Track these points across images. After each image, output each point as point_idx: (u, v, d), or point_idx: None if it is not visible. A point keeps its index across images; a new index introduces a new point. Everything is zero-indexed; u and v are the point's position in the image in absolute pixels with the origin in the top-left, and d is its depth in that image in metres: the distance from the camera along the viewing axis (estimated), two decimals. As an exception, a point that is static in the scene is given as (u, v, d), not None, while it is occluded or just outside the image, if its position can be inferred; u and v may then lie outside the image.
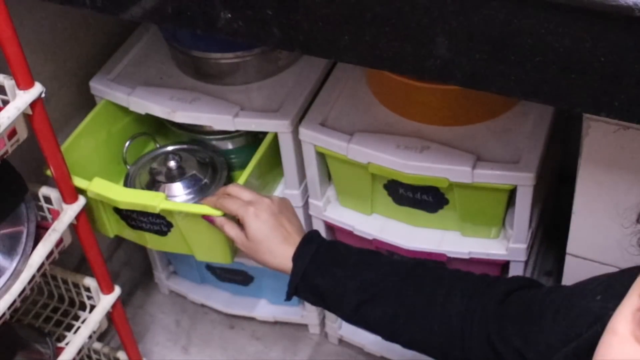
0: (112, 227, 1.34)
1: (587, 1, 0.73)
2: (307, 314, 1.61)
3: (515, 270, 1.30)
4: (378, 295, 1.02)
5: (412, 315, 1.01)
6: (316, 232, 1.11)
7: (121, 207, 1.24)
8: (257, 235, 1.09)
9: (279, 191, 1.41)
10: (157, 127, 1.47)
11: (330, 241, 1.09)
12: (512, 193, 1.21)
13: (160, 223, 1.27)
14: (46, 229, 1.15)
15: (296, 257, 1.06)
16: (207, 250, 1.30)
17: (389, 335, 1.05)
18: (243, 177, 1.26)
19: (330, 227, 1.40)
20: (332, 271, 1.05)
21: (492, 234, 1.28)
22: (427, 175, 1.19)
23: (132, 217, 1.28)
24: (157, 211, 1.22)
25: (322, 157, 1.31)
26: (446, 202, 1.26)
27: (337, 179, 1.35)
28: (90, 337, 1.30)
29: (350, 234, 1.36)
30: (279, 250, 1.08)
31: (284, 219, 1.10)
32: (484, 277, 1.02)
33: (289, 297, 1.08)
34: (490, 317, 0.95)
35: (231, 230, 1.13)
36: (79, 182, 1.22)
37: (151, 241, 1.33)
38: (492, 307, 0.95)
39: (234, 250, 1.29)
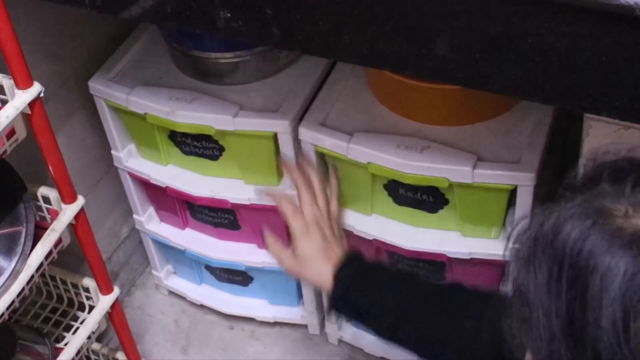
0: (166, 155, 1.43)
1: (588, 1, 0.73)
2: (307, 314, 1.60)
3: (516, 271, 1.30)
4: (412, 318, 1.04)
5: (444, 338, 1.02)
6: (359, 253, 1.13)
7: (179, 129, 1.33)
8: (303, 253, 1.13)
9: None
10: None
11: (371, 262, 1.12)
12: (512, 193, 1.21)
13: (212, 147, 1.37)
14: (45, 229, 1.15)
15: (338, 276, 1.09)
16: (256, 173, 1.38)
17: (425, 355, 1.06)
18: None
19: (330, 227, 1.40)
20: (370, 292, 1.07)
21: (492, 234, 1.28)
22: (427, 175, 1.19)
23: (186, 142, 1.38)
24: (212, 133, 1.30)
25: (322, 157, 1.31)
26: (446, 202, 1.25)
27: (336, 179, 1.34)
28: (89, 337, 1.29)
29: (350, 234, 1.35)
30: (322, 269, 1.11)
31: (333, 241, 1.15)
32: None
33: (328, 311, 1.13)
34: None
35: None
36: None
37: (203, 167, 1.41)
38: None
39: (280, 173, 1.37)
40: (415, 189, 1.25)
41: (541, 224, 0.60)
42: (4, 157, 1.05)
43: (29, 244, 1.12)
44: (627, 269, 0.54)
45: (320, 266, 1.11)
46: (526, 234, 0.62)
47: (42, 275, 1.24)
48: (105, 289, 1.31)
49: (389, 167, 1.21)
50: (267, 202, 1.39)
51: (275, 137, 1.31)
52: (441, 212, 1.28)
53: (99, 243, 1.27)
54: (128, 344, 1.42)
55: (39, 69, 1.17)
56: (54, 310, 1.41)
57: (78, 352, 1.27)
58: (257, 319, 1.64)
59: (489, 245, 1.28)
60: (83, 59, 1.44)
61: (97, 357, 1.47)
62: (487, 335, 0.97)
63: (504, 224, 1.27)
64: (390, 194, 1.29)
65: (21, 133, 1.06)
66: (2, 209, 1.14)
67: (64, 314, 1.40)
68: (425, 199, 1.26)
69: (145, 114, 1.35)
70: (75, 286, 1.33)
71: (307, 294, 1.56)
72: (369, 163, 1.22)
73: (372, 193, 1.30)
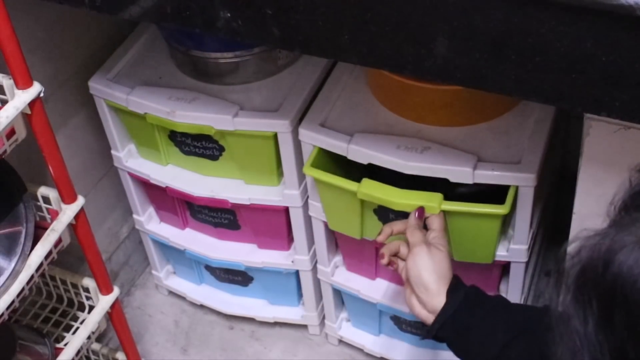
0: (166, 155, 1.44)
1: (588, 1, 0.73)
2: (306, 314, 1.60)
3: (516, 271, 1.30)
4: (524, 335, 1.00)
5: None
6: (459, 278, 1.08)
7: (179, 129, 1.33)
8: (418, 271, 1.06)
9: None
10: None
11: (472, 286, 1.08)
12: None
13: (212, 147, 1.37)
14: (45, 229, 1.15)
15: (451, 293, 1.04)
16: (256, 173, 1.38)
17: None
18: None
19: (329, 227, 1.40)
20: (479, 313, 1.04)
21: (492, 234, 1.28)
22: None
23: (186, 142, 1.38)
24: (212, 133, 1.30)
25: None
26: (446, 202, 1.25)
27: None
28: (89, 337, 1.29)
29: (349, 237, 1.35)
30: (435, 288, 1.05)
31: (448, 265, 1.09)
32: None
33: (429, 334, 1.06)
34: None
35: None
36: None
37: (203, 167, 1.42)
38: None
39: (280, 173, 1.37)
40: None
41: (589, 253, 0.56)
42: (4, 157, 1.05)
43: (29, 244, 1.12)
44: None
45: (434, 285, 1.05)
46: (573, 264, 0.58)
47: (42, 275, 1.24)
48: (105, 289, 1.31)
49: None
50: (266, 202, 1.39)
51: (275, 137, 1.31)
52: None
53: (99, 243, 1.27)
54: (128, 344, 1.42)
55: (39, 69, 1.17)
56: (54, 310, 1.41)
57: (78, 352, 1.27)
58: (257, 319, 1.64)
59: (489, 246, 1.28)
60: (83, 59, 1.44)
61: (97, 357, 1.47)
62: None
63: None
64: (390, 194, 1.29)
65: (21, 133, 1.06)
66: (2, 209, 1.14)
67: (64, 314, 1.40)
68: (425, 199, 1.26)
69: (145, 114, 1.34)
70: (75, 286, 1.33)
71: (307, 294, 1.56)
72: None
73: (372, 193, 1.30)
